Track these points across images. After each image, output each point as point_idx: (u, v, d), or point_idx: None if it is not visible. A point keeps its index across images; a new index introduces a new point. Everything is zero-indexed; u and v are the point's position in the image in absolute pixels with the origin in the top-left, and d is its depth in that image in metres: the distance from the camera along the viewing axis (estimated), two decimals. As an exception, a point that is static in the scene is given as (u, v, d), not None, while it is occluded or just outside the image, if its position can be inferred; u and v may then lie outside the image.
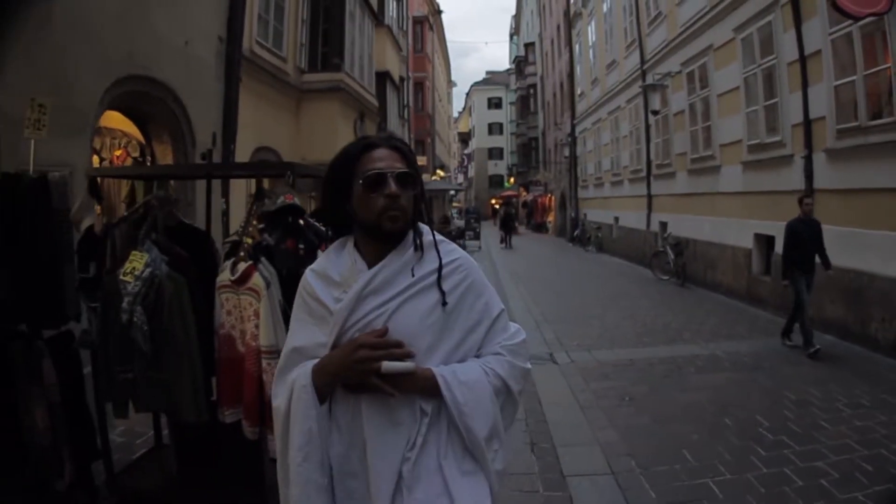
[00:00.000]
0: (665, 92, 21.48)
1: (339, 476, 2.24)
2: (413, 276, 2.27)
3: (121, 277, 4.24)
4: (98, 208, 5.06)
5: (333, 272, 2.35)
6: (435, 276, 2.29)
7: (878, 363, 9.85)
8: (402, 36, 31.78)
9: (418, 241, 2.33)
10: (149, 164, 9.39)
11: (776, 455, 6.32)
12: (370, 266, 2.31)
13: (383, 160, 2.27)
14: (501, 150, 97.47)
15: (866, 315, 10.84)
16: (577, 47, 39.74)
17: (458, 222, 45.45)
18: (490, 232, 51.49)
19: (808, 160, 12.61)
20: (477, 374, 2.27)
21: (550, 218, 53.83)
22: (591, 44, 35.56)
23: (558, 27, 46.09)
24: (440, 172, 60.48)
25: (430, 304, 2.27)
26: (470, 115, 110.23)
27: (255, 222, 4.39)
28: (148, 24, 8.59)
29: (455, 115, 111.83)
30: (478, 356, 2.36)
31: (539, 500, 5.50)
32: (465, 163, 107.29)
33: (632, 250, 26.07)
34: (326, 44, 17.87)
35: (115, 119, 8.68)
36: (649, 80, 22.83)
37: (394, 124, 26.60)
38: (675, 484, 5.77)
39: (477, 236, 39.69)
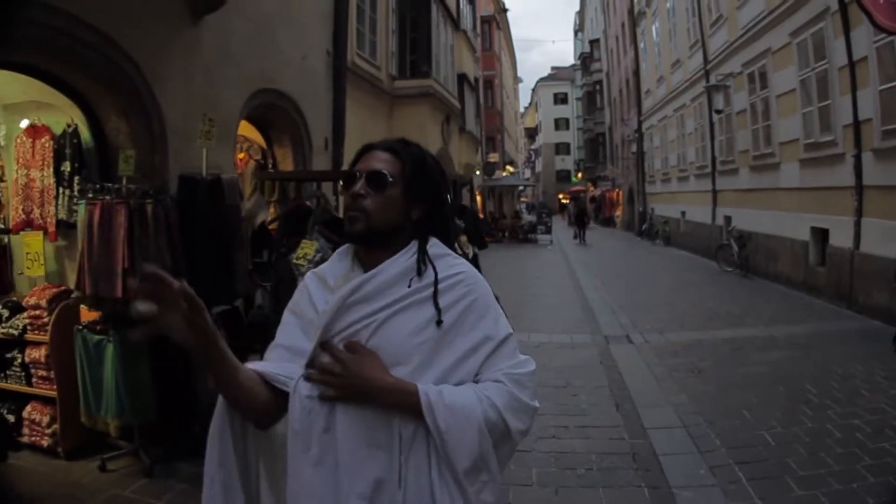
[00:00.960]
0: (727, 92, 22.30)
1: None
2: (409, 287, 2.14)
3: (294, 261, 5.56)
4: (271, 208, 6.38)
5: (330, 276, 2.26)
6: (432, 290, 2.14)
7: (918, 343, 10.78)
8: (474, 37, 32.70)
9: (421, 252, 2.20)
10: (270, 166, 10.62)
11: (820, 414, 7.50)
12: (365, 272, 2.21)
13: (367, 161, 2.24)
14: (568, 145, 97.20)
15: (909, 300, 11.75)
16: (641, 45, 40.21)
17: (528, 217, 46.19)
18: (560, 226, 52.22)
19: (858, 158, 13.51)
20: (468, 399, 2.04)
21: (618, 212, 54.17)
22: (655, 42, 36.14)
23: (623, 25, 46.47)
24: (509, 168, 61.24)
25: (424, 320, 2.11)
26: (536, 110, 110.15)
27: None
28: (274, 44, 9.87)
29: (521, 110, 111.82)
30: (476, 381, 2.14)
31: (625, 446, 6.85)
32: (533, 158, 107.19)
33: (698, 243, 26.70)
34: (415, 52, 19.22)
35: (240, 126, 9.89)
36: (712, 80, 23.61)
37: (471, 124, 27.68)
38: (736, 434, 7.01)
39: (549, 230, 40.03)
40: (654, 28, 36.14)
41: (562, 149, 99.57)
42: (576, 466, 6.33)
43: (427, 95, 19.03)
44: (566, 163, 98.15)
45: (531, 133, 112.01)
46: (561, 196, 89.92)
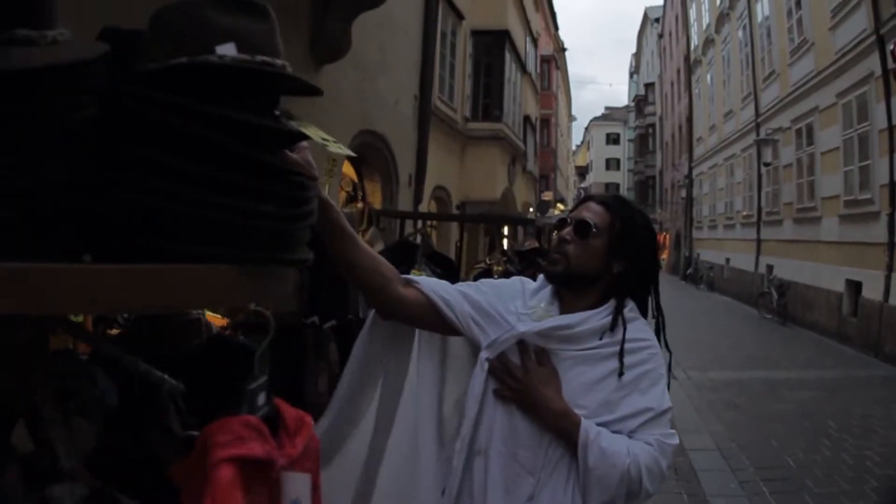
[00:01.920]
0: (776, 146, 23.23)
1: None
2: (600, 339, 2.27)
3: None
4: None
5: (529, 297, 2.40)
6: (619, 347, 2.27)
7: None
8: (536, 79, 33.47)
9: (618, 311, 2.31)
10: (360, 198, 11.66)
11: (837, 445, 8.48)
12: (561, 312, 2.34)
13: (580, 210, 2.37)
14: (618, 185, 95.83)
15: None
16: (696, 92, 40.93)
17: None
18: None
19: (892, 217, 14.37)
20: (620, 448, 2.17)
21: (664, 256, 54.60)
22: (709, 91, 36.93)
23: (678, 71, 47.13)
24: (560, 206, 61.78)
25: (605, 373, 2.25)
26: (588, 149, 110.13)
27: (500, 256, 6.77)
28: (374, 90, 11.00)
29: (573, 148, 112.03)
30: (629, 436, 2.25)
31: (670, 462, 7.85)
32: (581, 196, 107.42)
33: (740, 290, 27.28)
34: (487, 96, 20.19)
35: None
36: (762, 133, 24.57)
37: (531, 163, 28.56)
38: (763, 458, 8.06)
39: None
40: (708, 76, 37.00)
41: (611, 189, 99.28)
42: (625, 476, 7.36)
43: (498, 139, 19.97)
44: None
45: (582, 171, 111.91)
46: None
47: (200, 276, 1.28)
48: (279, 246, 1.44)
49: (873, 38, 14.93)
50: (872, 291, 15.14)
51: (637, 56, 79.59)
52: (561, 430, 2.16)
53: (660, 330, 2.49)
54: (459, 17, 17.69)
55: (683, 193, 43.32)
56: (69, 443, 1.53)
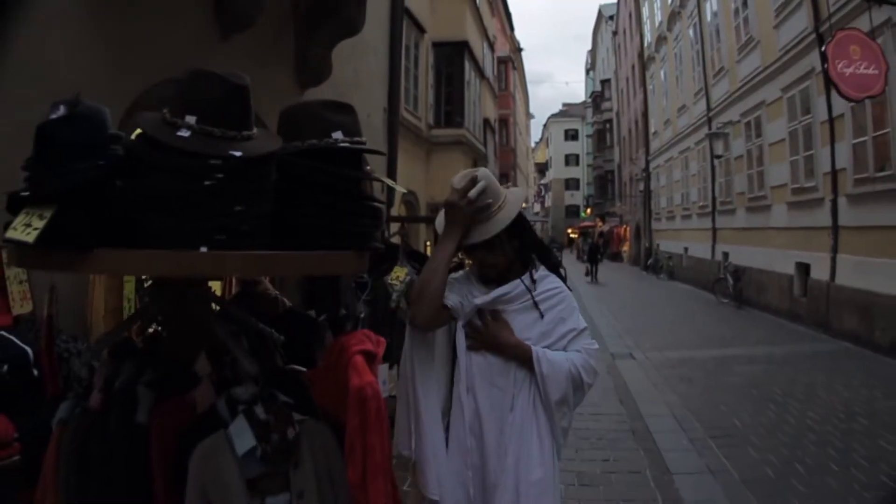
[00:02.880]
0: (727, 139, 24.29)
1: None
2: (527, 296, 3.18)
3: (389, 281, 7.41)
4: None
5: (462, 283, 3.27)
6: (541, 297, 3.19)
7: (877, 361, 12.67)
8: (494, 81, 34.31)
9: (530, 278, 3.20)
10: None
11: (782, 409, 9.45)
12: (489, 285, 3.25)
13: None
14: (578, 180, 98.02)
15: (871, 325, 13.61)
16: (650, 88, 42.05)
17: None
18: (568, 260, 53.87)
19: (834, 203, 15.44)
20: (561, 358, 3.11)
21: (625, 248, 55.40)
22: (663, 87, 38.09)
23: (633, 67, 48.10)
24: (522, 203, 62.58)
25: (538, 315, 3.18)
26: (547, 146, 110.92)
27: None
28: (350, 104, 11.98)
29: (532, 145, 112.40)
30: (564, 351, 3.20)
31: (626, 426, 8.91)
32: (543, 193, 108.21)
33: (699, 277, 28.35)
34: (449, 103, 21.28)
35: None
36: (716, 125, 25.66)
37: (491, 164, 29.45)
38: (712, 421, 8.97)
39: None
40: (662, 73, 38.17)
41: (571, 184, 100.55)
42: (589, 438, 8.35)
43: (460, 143, 21.07)
44: (575, 198, 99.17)
45: (541, 168, 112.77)
46: (570, 231, 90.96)
47: (338, 258, 2.52)
48: (367, 241, 2.66)
49: (813, 36, 15.96)
50: (820, 272, 16.27)
51: (593, 53, 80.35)
52: (519, 357, 3.07)
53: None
54: (421, 30, 18.71)
55: (641, 186, 44.34)
56: (244, 360, 2.46)
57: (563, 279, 3.39)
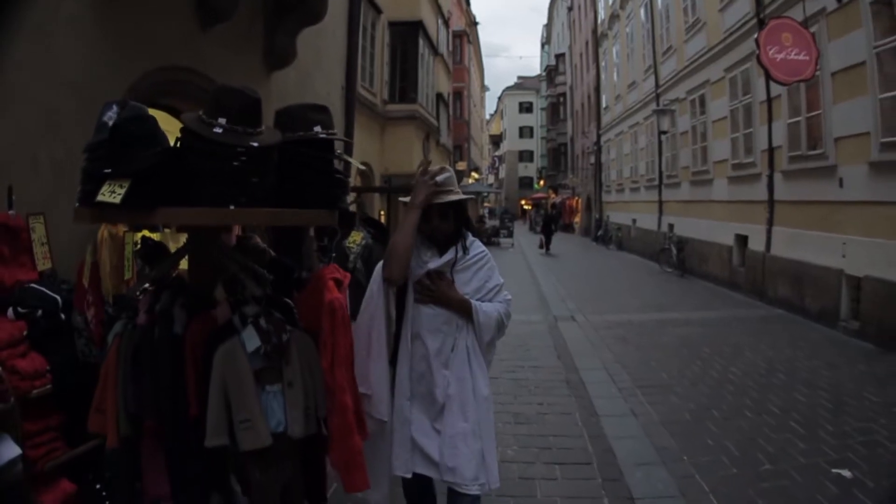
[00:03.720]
0: (673, 115, 25.22)
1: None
2: (462, 260, 4.08)
3: (347, 244, 8.17)
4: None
5: (424, 250, 4.08)
6: (471, 261, 4.10)
7: (806, 326, 13.60)
8: (448, 55, 34.92)
9: (463, 247, 4.09)
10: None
11: (707, 364, 10.38)
12: (436, 247, 4.09)
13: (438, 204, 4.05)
14: (532, 153, 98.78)
15: (802, 292, 14.55)
16: (603, 64, 42.84)
17: (492, 222, 48.41)
18: (521, 231, 54.83)
19: (770, 178, 16.34)
20: (491, 309, 4.04)
21: (577, 219, 56.12)
22: (615, 63, 38.88)
23: (587, 43, 48.69)
24: (475, 175, 62.65)
25: (469, 276, 4.08)
26: (501, 118, 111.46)
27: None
28: (311, 86, 12.60)
29: (487, 117, 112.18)
30: (490, 302, 4.12)
31: (562, 377, 9.81)
32: (496, 164, 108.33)
33: (646, 248, 29.32)
34: (404, 80, 22.07)
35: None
36: (663, 102, 26.53)
37: (444, 136, 30.19)
38: (641, 374, 9.89)
39: (510, 234, 43.28)
40: (614, 50, 38.90)
41: (525, 156, 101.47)
42: (528, 386, 9.30)
43: (413, 118, 21.95)
44: (529, 170, 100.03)
45: (496, 140, 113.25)
46: (523, 202, 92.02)
47: (317, 214, 3.65)
48: (337, 203, 3.79)
49: (754, 21, 16.74)
50: (756, 243, 17.27)
51: (548, 27, 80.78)
52: (463, 308, 3.98)
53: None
54: (378, 11, 19.46)
55: (593, 159, 45.09)
56: (251, 286, 3.46)
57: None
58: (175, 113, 6.94)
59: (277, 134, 3.47)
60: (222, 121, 3.21)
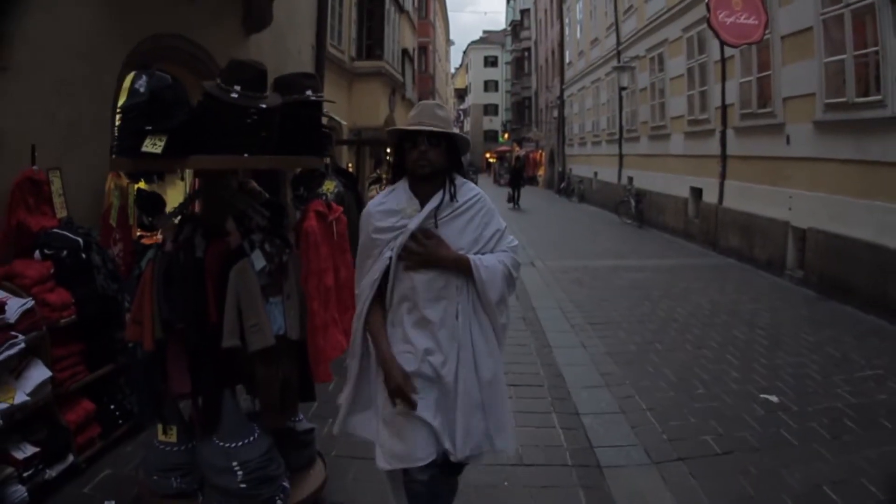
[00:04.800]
0: (633, 72, 25.97)
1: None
2: (452, 206, 3.48)
3: (321, 192, 8.92)
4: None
5: (393, 203, 3.52)
6: (463, 208, 3.50)
7: (753, 273, 14.53)
8: (413, 12, 35.26)
9: (451, 189, 3.48)
10: None
11: (655, 305, 11.40)
12: (419, 199, 3.48)
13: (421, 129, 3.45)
14: (497, 106, 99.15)
15: (751, 243, 15.46)
16: (566, 20, 43.33)
17: None
18: (485, 183, 55.56)
19: (723, 134, 17.17)
20: (494, 262, 3.45)
21: (541, 172, 56.87)
22: (578, 20, 39.39)
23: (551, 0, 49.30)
24: (437, 129, 62.98)
25: (462, 224, 3.49)
26: (467, 72, 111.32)
27: (387, 168, 9.34)
28: (284, 46, 13.21)
29: (452, 71, 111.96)
30: (492, 252, 3.54)
31: (519, 315, 10.60)
32: (461, 118, 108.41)
33: (607, 200, 29.92)
34: (370, 37, 22.71)
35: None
36: (624, 59, 27.30)
37: (409, 91, 30.77)
38: (593, 313, 10.92)
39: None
40: (577, 7, 39.40)
41: (490, 110, 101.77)
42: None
43: (380, 74, 22.59)
44: (494, 123, 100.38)
45: (461, 94, 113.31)
46: (488, 155, 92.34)
47: (310, 159, 4.86)
48: (324, 151, 5.03)
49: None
50: (710, 196, 18.17)
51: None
52: (460, 267, 3.42)
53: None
54: (347, -30, 20.05)
55: (556, 113, 45.91)
56: (257, 217, 4.35)
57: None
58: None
59: (278, 97, 4.22)
60: (237, 88, 3.94)
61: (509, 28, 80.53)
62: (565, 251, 18.21)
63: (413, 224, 3.41)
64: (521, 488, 5.14)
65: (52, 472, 4.92)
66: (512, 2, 79.95)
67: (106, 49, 7.46)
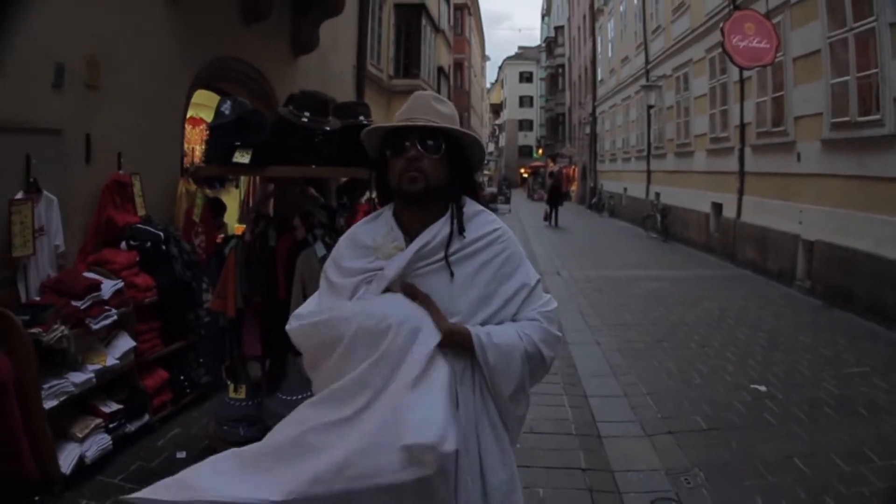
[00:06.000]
0: (660, 91, 26.76)
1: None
2: (462, 242, 2.38)
3: (368, 197, 9.98)
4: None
5: (367, 238, 2.47)
6: (474, 247, 2.40)
7: (766, 284, 15.23)
8: (448, 29, 36.21)
9: (457, 214, 2.42)
10: None
11: (668, 311, 12.19)
12: (406, 233, 2.42)
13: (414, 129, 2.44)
14: (531, 122, 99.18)
15: (765, 255, 16.18)
16: (599, 38, 43.92)
17: (490, 189, 49.66)
18: (519, 198, 56.35)
19: (742, 151, 17.98)
20: (511, 338, 2.31)
21: (573, 187, 56.85)
22: (610, 38, 40.12)
23: (584, 17, 49.40)
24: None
25: (471, 271, 2.37)
26: (502, 87, 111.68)
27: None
28: (328, 67, 14.28)
29: (488, 86, 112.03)
30: (514, 320, 2.39)
31: None
32: (497, 133, 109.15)
33: (635, 215, 30.51)
34: (408, 56, 23.99)
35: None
36: (652, 77, 28.01)
37: (444, 107, 31.85)
38: (610, 316, 11.77)
39: (507, 201, 45.04)
40: (609, 25, 40.13)
41: (525, 125, 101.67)
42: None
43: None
44: (528, 139, 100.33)
45: (496, 109, 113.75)
46: (522, 170, 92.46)
47: (360, 171, 5.21)
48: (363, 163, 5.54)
49: (731, 6, 18.22)
50: (729, 211, 18.91)
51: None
52: (456, 344, 2.27)
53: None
54: (385, -5, 21.27)
55: (588, 130, 46.39)
56: (319, 215, 5.42)
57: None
58: (222, 93, 8.69)
59: (338, 122, 5.03)
60: (307, 113, 4.85)
61: (544, 44, 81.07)
62: (590, 262, 19.05)
63: (391, 270, 2.38)
64: (530, 450, 6.02)
65: (131, 427, 6.08)
66: (547, 18, 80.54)
67: (177, 71, 8.62)
